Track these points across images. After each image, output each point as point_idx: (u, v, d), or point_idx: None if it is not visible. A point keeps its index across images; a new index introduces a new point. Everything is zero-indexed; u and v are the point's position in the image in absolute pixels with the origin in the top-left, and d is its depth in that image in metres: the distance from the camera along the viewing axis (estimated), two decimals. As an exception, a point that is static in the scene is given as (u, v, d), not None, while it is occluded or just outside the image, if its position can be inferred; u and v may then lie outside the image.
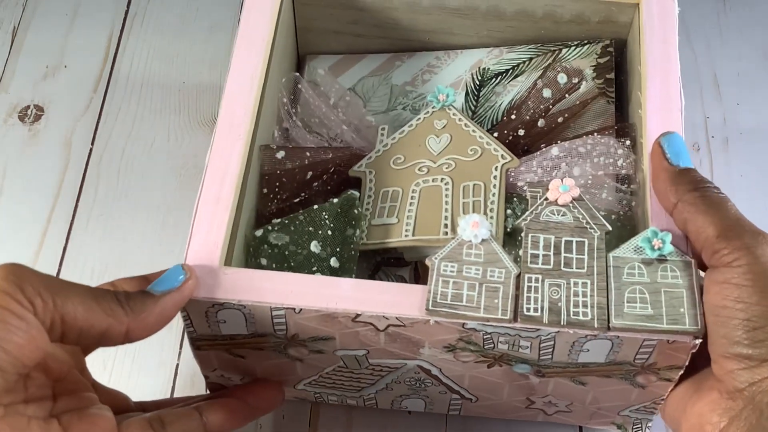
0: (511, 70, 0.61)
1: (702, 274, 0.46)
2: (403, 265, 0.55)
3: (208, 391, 0.55)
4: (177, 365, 0.60)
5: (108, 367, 0.60)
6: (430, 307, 0.45)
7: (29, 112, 0.71)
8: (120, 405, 0.49)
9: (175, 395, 0.58)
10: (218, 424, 0.48)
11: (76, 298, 0.42)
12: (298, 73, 0.60)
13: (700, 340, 0.45)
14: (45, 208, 0.66)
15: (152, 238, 0.65)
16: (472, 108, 0.61)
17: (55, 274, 0.63)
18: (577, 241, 0.47)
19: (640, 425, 0.54)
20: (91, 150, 0.69)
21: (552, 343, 0.46)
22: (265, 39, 0.54)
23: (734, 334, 0.43)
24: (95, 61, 0.73)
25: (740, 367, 0.43)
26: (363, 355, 0.49)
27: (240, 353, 0.50)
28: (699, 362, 0.47)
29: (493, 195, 0.53)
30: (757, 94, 0.72)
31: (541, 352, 0.47)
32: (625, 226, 0.52)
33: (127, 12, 0.76)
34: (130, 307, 0.43)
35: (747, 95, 0.72)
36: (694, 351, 0.45)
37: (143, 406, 0.51)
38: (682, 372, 0.47)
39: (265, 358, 0.50)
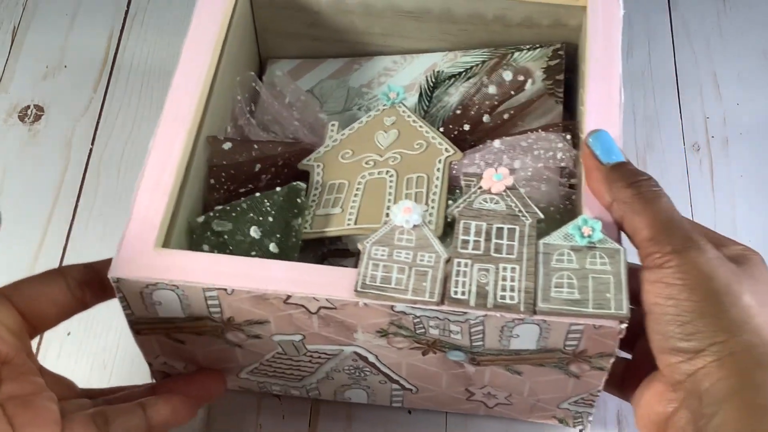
0: (464, 73, 0.62)
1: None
2: (348, 256, 0.56)
3: (154, 380, 0.56)
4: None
5: (108, 366, 0.60)
6: (359, 289, 0.46)
7: (29, 112, 0.71)
8: (65, 391, 0.50)
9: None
10: (161, 420, 0.48)
11: None
12: (252, 72, 0.62)
13: (626, 325, 0.45)
14: (45, 208, 0.66)
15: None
16: (425, 108, 0.62)
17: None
18: (508, 228, 0.48)
19: (581, 418, 0.54)
20: (91, 150, 0.69)
21: (481, 328, 0.47)
22: (216, 35, 0.56)
23: (668, 330, 0.44)
24: (95, 61, 0.74)
25: (678, 360, 0.44)
26: (299, 340, 0.50)
27: (180, 338, 0.51)
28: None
29: (436, 186, 0.54)
30: (757, 94, 0.72)
31: (472, 337, 0.48)
32: (564, 218, 0.53)
33: (127, 12, 0.77)
34: None
35: (747, 95, 0.72)
36: (621, 336, 0.46)
37: (89, 393, 0.51)
38: (613, 360, 0.48)
39: (205, 344, 0.51)
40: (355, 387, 0.54)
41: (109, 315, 0.60)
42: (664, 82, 0.72)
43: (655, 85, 0.72)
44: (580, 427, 0.55)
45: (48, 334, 0.60)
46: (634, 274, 0.47)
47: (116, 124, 0.71)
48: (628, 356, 0.52)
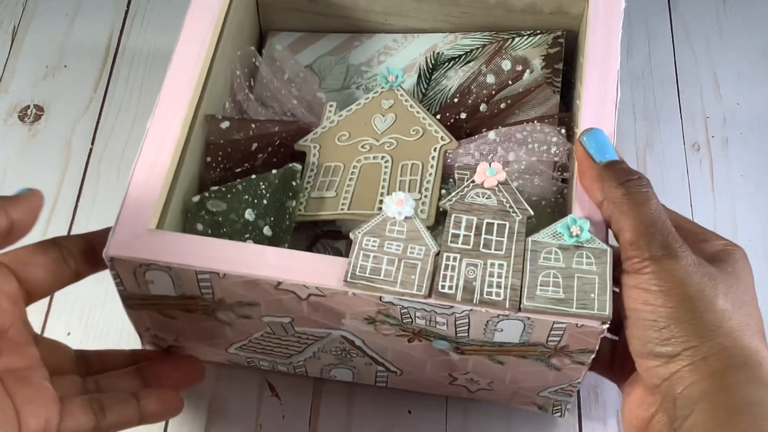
0: (464, 56, 0.63)
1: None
2: (340, 238, 0.57)
3: (145, 347, 0.57)
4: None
5: None
6: (349, 279, 0.46)
7: (29, 112, 0.71)
8: (61, 357, 0.51)
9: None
10: (153, 412, 0.50)
11: None
12: (253, 47, 0.62)
13: (607, 325, 0.46)
14: (45, 208, 0.64)
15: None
16: (423, 91, 0.62)
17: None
18: (498, 224, 0.49)
19: (560, 407, 0.56)
20: (91, 150, 0.69)
21: (467, 320, 0.48)
22: (217, 12, 0.56)
23: (646, 335, 0.46)
24: (95, 61, 0.74)
25: (655, 365, 0.46)
26: (288, 322, 0.51)
27: (171, 314, 0.52)
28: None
29: (430, 175, 0.55)
30: (757, 94, 0.72)
31: (457, 329, 0.49)
32: (554, 212, 0.54)
33: (127, 12, 0.76)
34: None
35: (747, 95, 0.72)
36: (602, 335, 0.47)
37: (85, 355, 0.52)
38: (593, 356, 0.49)
39: (195, 320, 0.52)
40: (341, 367, 0.55)
41: (109, 316, 0.62)
42: (664, 81, 0.72)
43: (655, 85, 0.72)
44: (558, 414, 0.57)
45: (48, 334, 0.61)
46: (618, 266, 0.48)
47: (116, 123, 0.70)
48: (615, 338, 0.54)
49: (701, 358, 0.45)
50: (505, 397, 0.56)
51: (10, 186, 0.68)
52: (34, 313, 0.61)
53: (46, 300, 0.62)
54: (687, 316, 0.45)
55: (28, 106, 0.71)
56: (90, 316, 0.62)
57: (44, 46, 0.74)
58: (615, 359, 0.53)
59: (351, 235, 0.48)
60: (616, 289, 0.48)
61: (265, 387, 0.59)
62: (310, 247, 0.57)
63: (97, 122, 0.71)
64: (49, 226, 0.66)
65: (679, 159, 0.68)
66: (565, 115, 0.57)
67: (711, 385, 0.44)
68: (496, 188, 0.50)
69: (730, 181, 0.67)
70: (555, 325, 0.47)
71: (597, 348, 0.48)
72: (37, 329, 0.60)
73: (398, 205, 0.48)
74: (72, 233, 0.65)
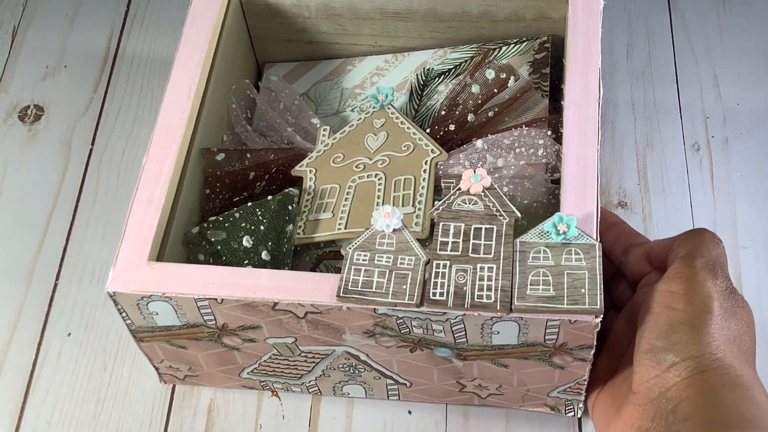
0: (453, 69, 0.64)
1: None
2: (341, 257, 0.58)
3: (163, 383, 0.58)
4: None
5: (108, 367, 0.61)
6: (341, 294, 0.48)
7: (29, 112, 0.72)
8: None
9: (175, 396, 0.60)
10: None
11: None
12: (247, 81, 0.63)
13: (601, 318, 0.47)
14: (45, 208, 0.67)
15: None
16: (415, 107, 0.63)
17: (55, 275, 0.64)
18: (486, 228, 0.49)
19: (572, 406, 0.56)
20: (91, 150, 0.70)
21: (462, 326, 0.48)
22: (206, 49, 0.58)
23: (656, 336, 0.47)
24: (95, 61, 0.74)
25: (655, 375, 0.47)
26: (292, 342, 0.52)
27: (180, 344, 0.53)
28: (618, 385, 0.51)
29: (423, 188, 0.56)
30: (757, 94, 0.72)
31: (455, 335, 0.49)
32: (547, 214, 0.54)
33: (127, 12, 0.77)
34: None
35: (747, 95, 0.71)
36: (597, 330, 0.47)
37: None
38: (594, 351, 0.49)
39: (204, 347, 0.53)
40: (352, 383, 0.56)
41: (110, 317, 0.62)
42: (664, 81, 0.72)
43: (655, 85, 0.71)
44: (571, 414, 0.57)
45: (48, 334, 0.62)
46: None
47: (116, 124, 0.71)
48: None
49: (700, 371, 0.46)
50: (517, 401, 0.56)
51: (10, 186, 0.68)
52: (33, 313, 0.62)
53: (46, 300, 0.63)
54: (699, 323, 0.47)
55: (28, 106, 0.72)
56: (90, 316, 0.62)
57: (44, 46, 0.75)
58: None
59: (342, 251, 0.49)
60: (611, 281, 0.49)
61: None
62: (313, 269, 0.58)
63: (97, 123, 0.71)
64: (49, 225, 0.66)
65: (679, 159, 0.68)
66: (552, 117, 0.57)
67: (704, 401, 0.45)
68: (482, 194, 0.50)
69: (730, 181, 0.67)
70: (549, 323, 0.47)
71: (595, 343, 0.48)
72: (36, 329, 0.62)
73: (386, 218, 0.49)
74: (72, 234, 0.66)
